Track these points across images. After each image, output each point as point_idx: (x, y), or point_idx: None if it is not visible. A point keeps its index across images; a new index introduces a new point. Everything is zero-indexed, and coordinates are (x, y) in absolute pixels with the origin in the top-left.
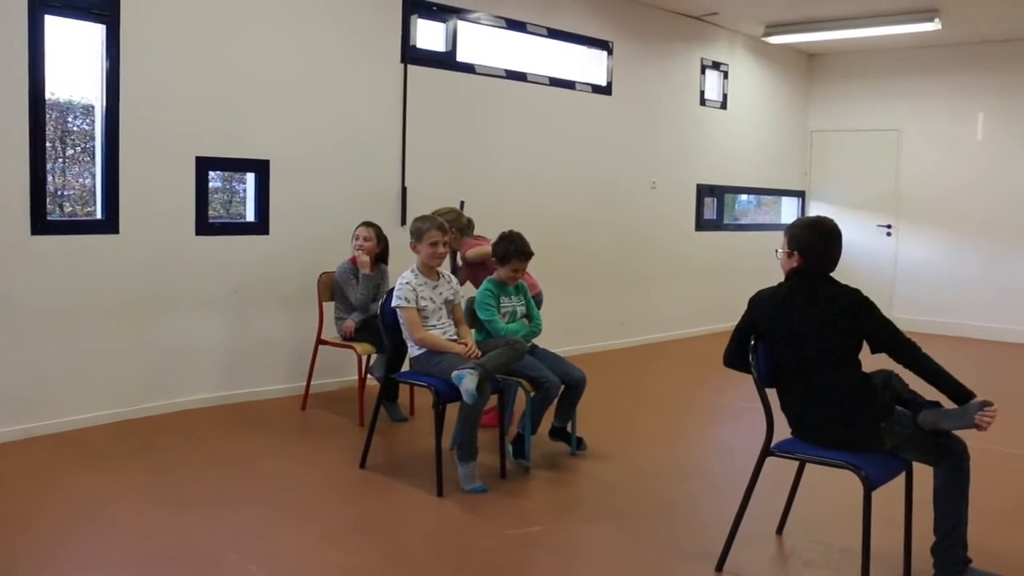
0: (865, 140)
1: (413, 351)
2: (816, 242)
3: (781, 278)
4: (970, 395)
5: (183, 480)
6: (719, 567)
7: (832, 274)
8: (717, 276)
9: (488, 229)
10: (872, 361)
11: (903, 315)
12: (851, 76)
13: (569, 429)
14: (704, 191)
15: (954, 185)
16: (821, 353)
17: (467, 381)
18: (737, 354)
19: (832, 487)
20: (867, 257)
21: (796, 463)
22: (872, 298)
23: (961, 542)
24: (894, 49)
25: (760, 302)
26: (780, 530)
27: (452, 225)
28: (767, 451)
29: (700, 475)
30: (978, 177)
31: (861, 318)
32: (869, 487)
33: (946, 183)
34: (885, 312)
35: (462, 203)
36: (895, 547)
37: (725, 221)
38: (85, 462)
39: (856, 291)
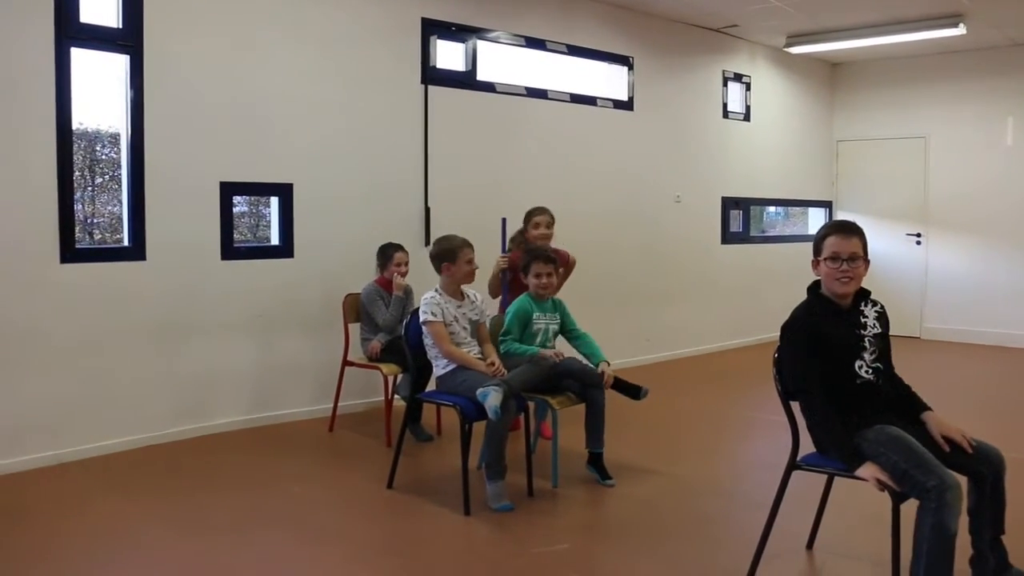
0: (892, 148)
1: (438, 370)
2: None
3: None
4: (848, 465)
5: (210, 504)
6: None
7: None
8: (745, 290)
9: None
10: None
11: (935, 325)
12: (876, 84)
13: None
14: (729, 204)
15: (984, 191)
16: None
17: (491, 398)
18: None
19: (862, 500)
20: (897, 267)
21: (825, 476)
22: (903, 309)
23: None
24: (919, 56)
25: None
26: (810, 545)
27: (552, 216)
28: (793, 465)
29: (729, 490)
30: (1009, 182)
31: None
32: (897, 500)
33: (976, 189)
34: (916, 323)
35: (504, 220)
36: None
37: (752, 234)
38: (113, 487)
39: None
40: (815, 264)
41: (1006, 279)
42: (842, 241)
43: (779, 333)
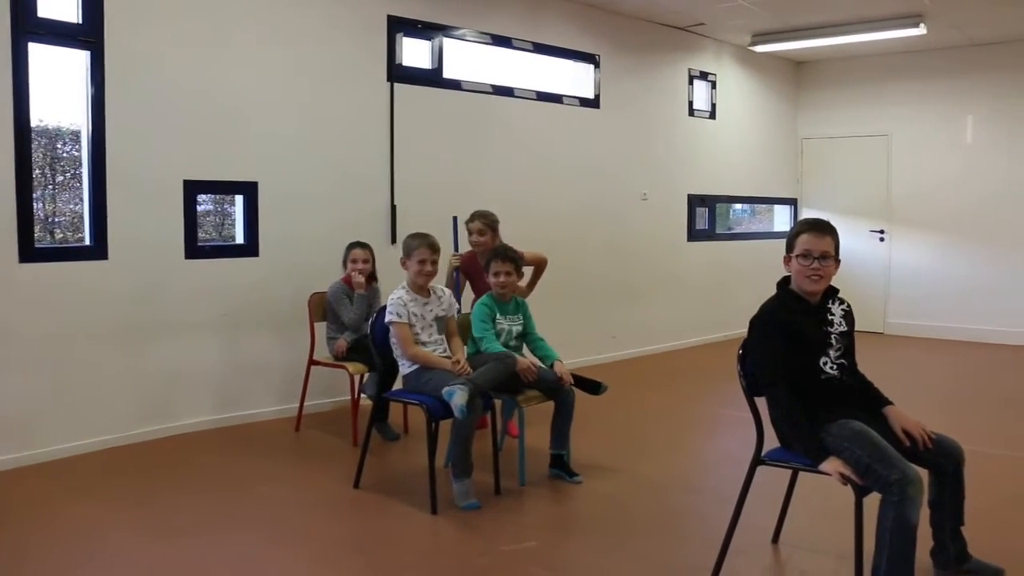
0: (855, 146)
1: (404, 369)
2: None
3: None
4: (813, 459)
5: (176, 506)
6: None
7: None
8: (711, 287)
9: None
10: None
11: (898, 320)
12: (839, 83)
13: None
14: (695, 201)
15: (945, 189)
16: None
17: (457, 397)
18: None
19: (826, 494)
20: (861, 263)
21: (790, 471)
22: (867, 304)
23: None
24: (881, 55)
25: None
26: (776, 539)
27: (485, 222)
28: (757, 460)
29: (695, 486)
30: (968, 180)
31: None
32: (860, 494)
33: (937, 187)
34: (879, 318)
35: (455, 219)
36: None
37: (718, 231)
38: (77, 491)
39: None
40: (787, 260)
41: (966, 275)
42: (815, 239)
43: (747, 327)
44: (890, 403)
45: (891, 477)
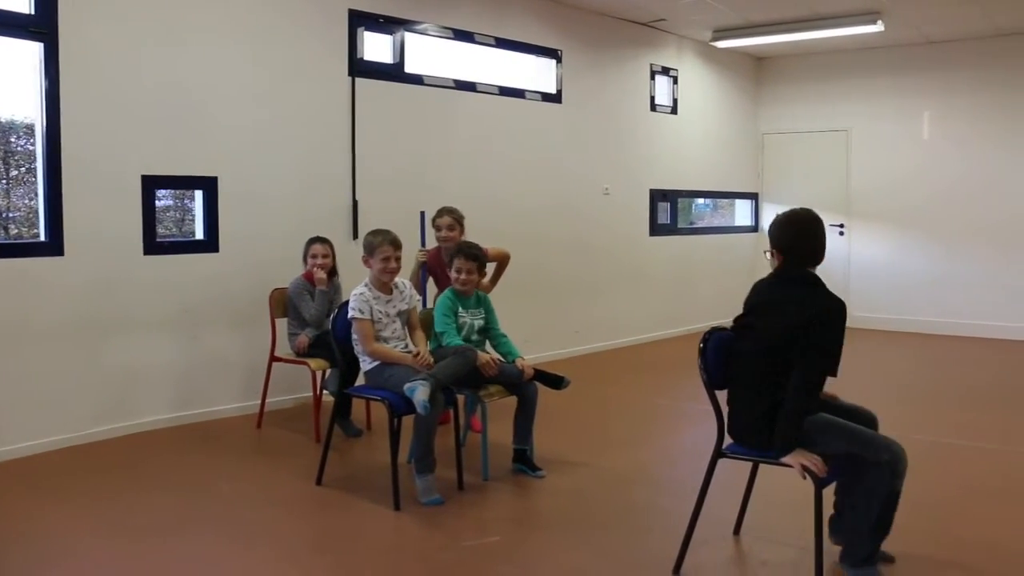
0: (815, 141)
1: (366, 365)
2: (793, 235)
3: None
4: (783, 450)
5: (136, 506)
6: (676, 570)
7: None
8: (673, 281)
9: None
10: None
11: (858, 313)
12: (800, 78)
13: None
14: (657, 196)
15: (902, 183)
16: (771, 363)
17: (419, 392)
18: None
19: (786, 486)
20: None
21: (750, 464)
22: None
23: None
24: (840, 51)
25: (754, 290)
26: (737, 531)
27: (454, 217)
28: (719, 453)
29: (658, 480)
30: (925, 175)
31: (817, 329)
32: (819, 486)
33: (895, 182)
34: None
35: (422, 213)
36: None
37: (680, 225)
38: (33, 491)
39: (829, 300)
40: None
41: (923, 268)
42: None
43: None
44: None
45: (882, 458)
